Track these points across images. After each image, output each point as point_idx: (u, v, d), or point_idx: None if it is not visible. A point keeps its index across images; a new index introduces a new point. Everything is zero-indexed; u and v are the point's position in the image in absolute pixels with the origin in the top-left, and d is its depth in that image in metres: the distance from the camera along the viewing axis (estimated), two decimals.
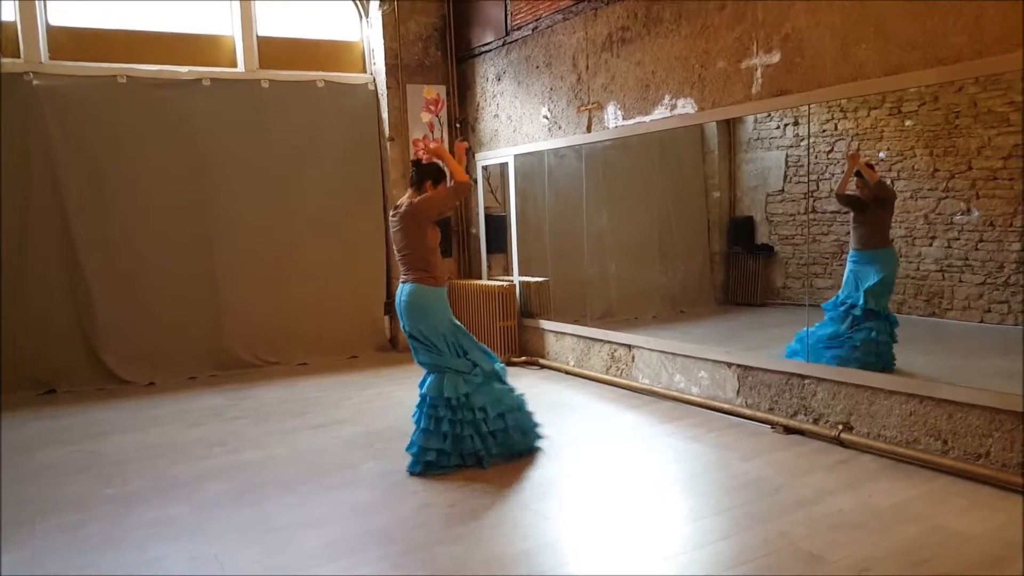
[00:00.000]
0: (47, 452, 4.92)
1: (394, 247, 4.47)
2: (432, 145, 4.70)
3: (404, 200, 4.40)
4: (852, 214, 5.34)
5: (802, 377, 4.77)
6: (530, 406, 4.61)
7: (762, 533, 3.36)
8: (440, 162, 4.57)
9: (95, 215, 6.68)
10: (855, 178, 5.35)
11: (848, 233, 5.44)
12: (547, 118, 6.81)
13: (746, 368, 5.13)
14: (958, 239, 5.34)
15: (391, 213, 4.42)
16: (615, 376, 6.22)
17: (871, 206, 5.28)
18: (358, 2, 7.89)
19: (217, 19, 7.30)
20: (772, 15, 4.71)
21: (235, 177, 7.22)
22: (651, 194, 7.68)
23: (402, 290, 4.37)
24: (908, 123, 5.47)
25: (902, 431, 4.23)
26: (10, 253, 6.41)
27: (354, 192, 7.81)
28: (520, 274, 7.40)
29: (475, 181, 7.91)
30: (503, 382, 4.48)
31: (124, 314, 6.80)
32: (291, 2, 7.58)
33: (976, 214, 5.21)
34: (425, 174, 4.39)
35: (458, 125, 8.01)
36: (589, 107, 6.28)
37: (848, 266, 5.28)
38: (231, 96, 7.18)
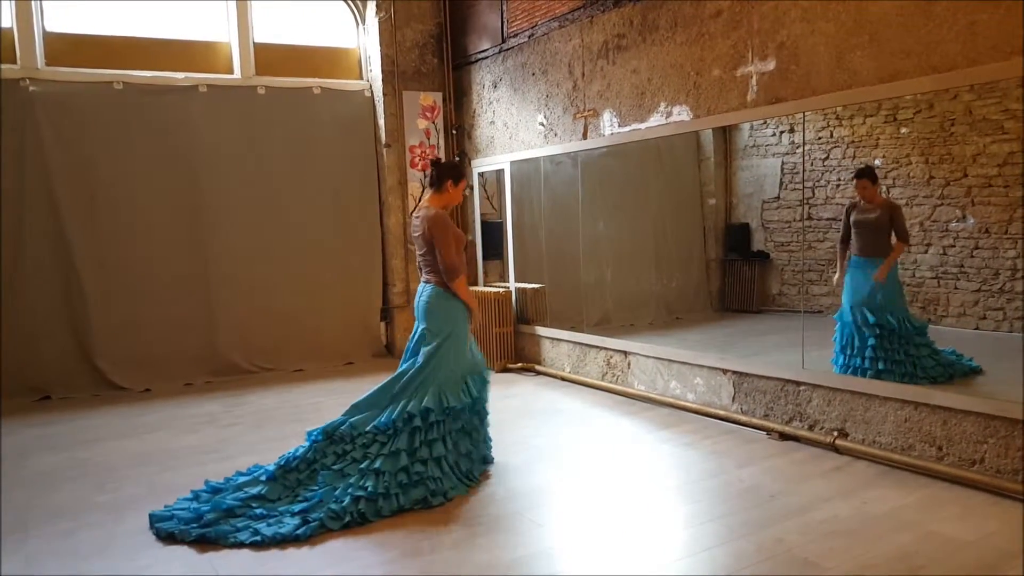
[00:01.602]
0: (41, 459, 4.90)
1: (415, 247, 4.37)
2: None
3: (425, 202, 4.31)
4: (852, 219, 5.31)
5: (797, 384, 4.77)
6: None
7: (757, 540, 3.36)
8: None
9: (90, 221, 6.67)
10: (856, 181, 5.34)
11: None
12: (543, 125, 6.82)
13: (741, 375, 5.13)
14: (953, 246, 5.35)
15: (414, 213, 4.33)
16: (611, 383, 6.21)
17: (870, 211, 5.25)
18: (355, 9, 7.91)
19: (214, 26, 7.31)
20: (767, 23, 4.73)
21: (231, 183, 7.21)
22: (647, 201, 7.70)
23: (423, 290, 4.30)
24: (904, 131, 5.49)
25: (897, 437, 4.23)
26: (5, 259, 6.39)
27: (350, 198, 7.81)
28: (516, 280, 7.41)
29: (472, 188, 7.92)
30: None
31: (119, 320, 6.79)
32: (288, 7, 7.60)
33: (971, 221, 5.23)
34: (445, 173, 4.29)
35: (454, 132, 8.03)
36: (585, 114, 6.29)
37: (848, 272, 5.28)
38: (227, 102, 7.19)
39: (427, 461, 3.94)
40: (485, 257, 7.89)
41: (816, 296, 6.19)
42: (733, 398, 5.20)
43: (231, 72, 7.36)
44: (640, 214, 7.73)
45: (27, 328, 6.47)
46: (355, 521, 3.64)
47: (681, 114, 5.43)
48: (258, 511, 3.68)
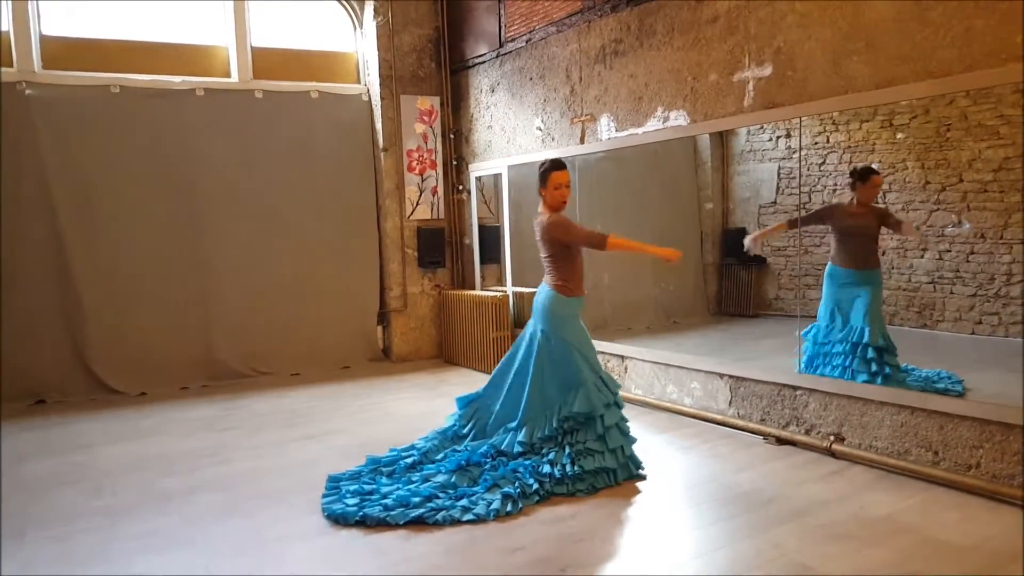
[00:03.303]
0: (36, 463, 4.88)
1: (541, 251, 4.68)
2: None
3: (540, 209, 4.66)
4: (836, 225, 5.30)
5: (794, 388, 4.78)
6: None
7: (755, 544, 3.36)
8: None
9: (87, 224, 6.66)
10: (853, 179, 5.33)
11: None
12: (540, 129, 6.83)
13: (738, 379, 5.14)
14: (949, 251, 5.36)
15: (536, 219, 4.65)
16: None
17: (862, 217, 5.23)
18: (352, 14, 7.92)
19: (211, 29, 7.31)
20: (764, 28, 4.75)
21: (228, 187, 7.20)
22: (644, 205, 7.70)
23: (541, 289, 4.67)
24: (900, 136, 5.50)
25: (893, 442, 4.24)
26: (1, 262, 6.38)
27: (348, 202, 7.81)
28: (513, 284, 7.40)
29: (469, 193, 7.93)
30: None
31: (115, 324, 6.77)
32: (286, 11, 7.60)
33: (967, 226, 5.24)
34: (538, 182, 4.63)
35: (452, 136, 8.03)
36: (582, 119, 6.30)
37: (825, 287, 5.22)
38: (225, 106, 7.18)
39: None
40: (483, 261, 7.89)
41: (812, 300, 6.19)
42: (730, 402, 5.21)
43: (229, 76, 7.36)
44: (637, 218, 7.72)
45: (23, 332, 6.44)
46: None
47: (678, 119, 5.44)
48: (455, 493, 3.94)
